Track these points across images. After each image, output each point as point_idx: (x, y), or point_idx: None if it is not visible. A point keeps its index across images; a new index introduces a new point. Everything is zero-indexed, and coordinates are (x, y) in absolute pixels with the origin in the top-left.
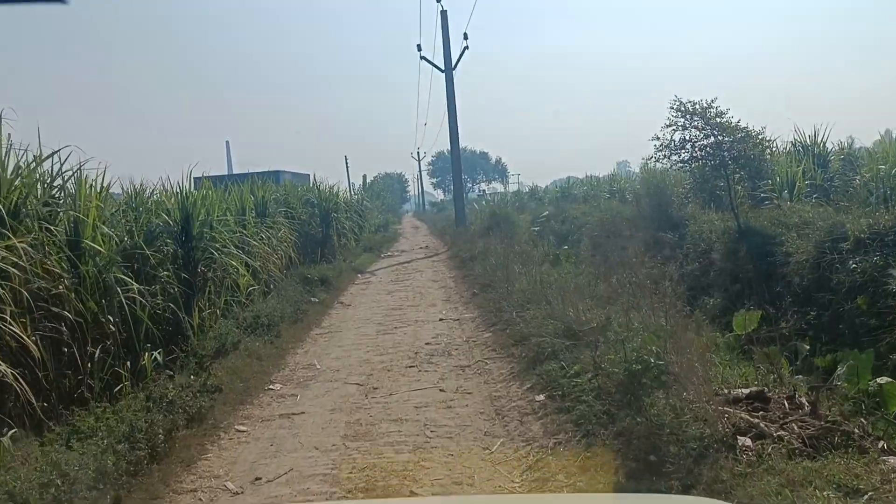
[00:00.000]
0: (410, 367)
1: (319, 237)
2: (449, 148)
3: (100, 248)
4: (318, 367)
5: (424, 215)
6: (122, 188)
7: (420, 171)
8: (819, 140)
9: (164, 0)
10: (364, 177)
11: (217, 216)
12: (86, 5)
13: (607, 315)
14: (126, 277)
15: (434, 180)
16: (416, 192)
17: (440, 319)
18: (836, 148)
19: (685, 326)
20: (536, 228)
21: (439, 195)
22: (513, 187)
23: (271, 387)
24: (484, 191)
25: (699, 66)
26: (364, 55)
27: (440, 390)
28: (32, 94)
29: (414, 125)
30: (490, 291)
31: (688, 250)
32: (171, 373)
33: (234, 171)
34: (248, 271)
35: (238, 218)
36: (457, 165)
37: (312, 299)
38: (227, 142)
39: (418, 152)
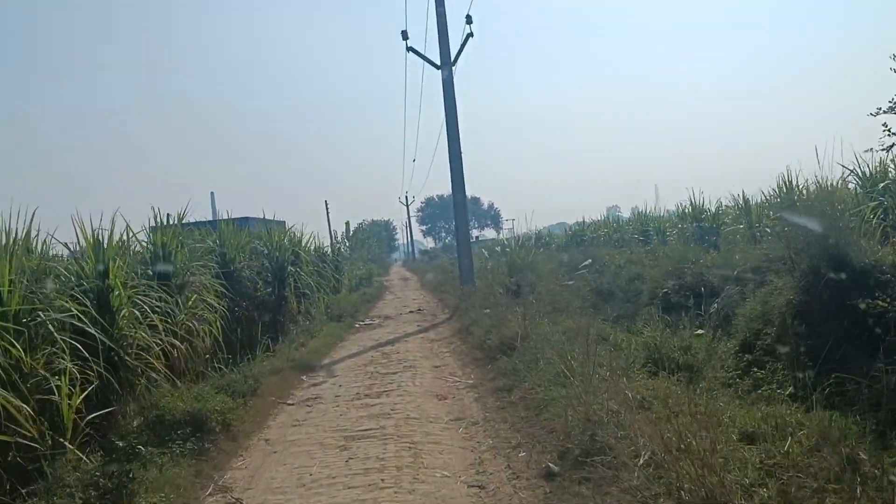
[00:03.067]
0: None
1: (270, 302)
2: (438, 193)
3: None
4: None
5: (415, 265)
6: None
7: (409, 216)
8: None
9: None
10: (347, 223)
11: (8, 276)
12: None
13: None
14: None
15: (423, 227)
16: (405, 241)
17: None
18: None
19: None
20: (571, 282)
21: (429, 243)
22: (504, 233)
23: None
24: (477, 237)
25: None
26: (354, 87)
27: None
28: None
29: (401, 164)
30: (612, 474)
31: None
32: None
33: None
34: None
35: (94, 280)
36: (460, 196)
37: None
38: (212, 193)
39: (406, 196)
